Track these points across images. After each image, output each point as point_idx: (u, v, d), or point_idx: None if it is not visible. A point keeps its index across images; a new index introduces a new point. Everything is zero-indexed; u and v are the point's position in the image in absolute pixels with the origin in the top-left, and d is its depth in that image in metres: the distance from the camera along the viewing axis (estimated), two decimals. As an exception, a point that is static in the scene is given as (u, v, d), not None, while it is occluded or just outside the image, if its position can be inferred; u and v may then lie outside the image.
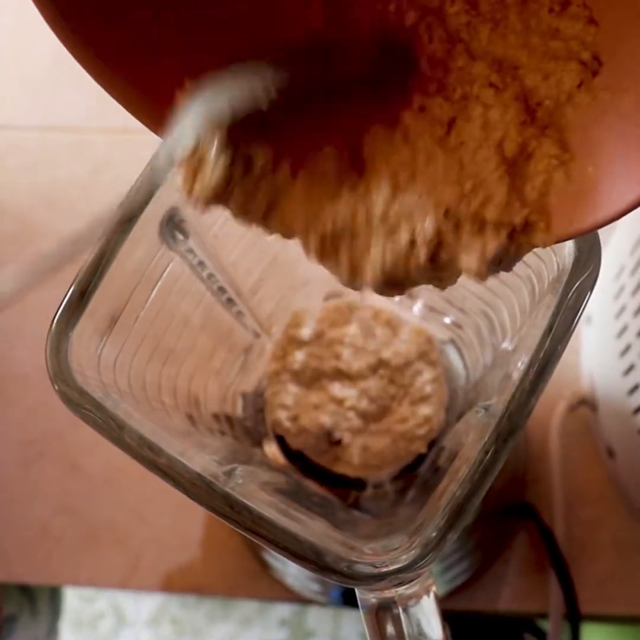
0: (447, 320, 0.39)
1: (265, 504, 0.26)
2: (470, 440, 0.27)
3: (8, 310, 0.56)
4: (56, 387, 0.25)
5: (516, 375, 0.25)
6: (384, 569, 0.23)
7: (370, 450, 0.37)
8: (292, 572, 0.45)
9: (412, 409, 0.37)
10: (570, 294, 0.25)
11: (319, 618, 0.49)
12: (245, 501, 0.24)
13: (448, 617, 0.26)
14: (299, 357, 0.38)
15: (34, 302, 0.56)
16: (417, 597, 0.25)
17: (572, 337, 0.24)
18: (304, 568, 0.23)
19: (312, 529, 0.26)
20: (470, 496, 0.23)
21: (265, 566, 0.47)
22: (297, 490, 0.36)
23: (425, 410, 0.37)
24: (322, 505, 0.36)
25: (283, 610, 0.49)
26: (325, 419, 0.37)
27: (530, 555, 0.47)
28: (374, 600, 0.25)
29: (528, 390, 0.24)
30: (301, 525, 0.25)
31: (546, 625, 0.46)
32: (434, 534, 0.23)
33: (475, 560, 0.46)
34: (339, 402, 0.37)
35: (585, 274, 0.25)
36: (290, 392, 0.38)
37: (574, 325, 0.25)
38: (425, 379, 0.38)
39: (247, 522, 0.24)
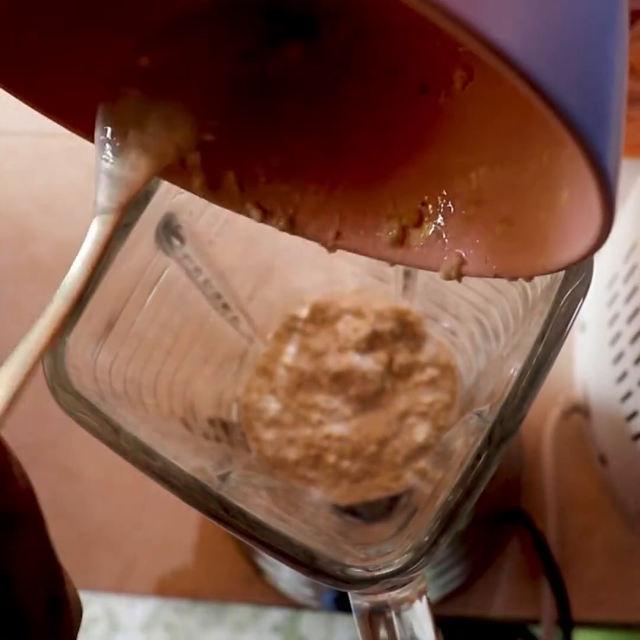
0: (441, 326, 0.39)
1: (260, 508, 0.26)
2: (463, 445, 0.28)
3: (3, 314, 0.56)
4: (53, 392, 0.25)
5: (509, 382, 0.25)
6: (377, 573, 0.23)
7: (350, 497, 0.37)
8: (286, 577, 0.45)
9: (407, 464, 0.37)
10: (562, 301, 0.25)
11: (312, 624, 0.49)
12: (239, 505, 0.24)
13: (441, 622, 0.26)
14: (273, 405, 0.38)
15: (29, 307, 0.56)
16: (410, 601, 0.25)
17: (566, 344, 0.25)
18: (298, 571, 0.23)
19: (305, 533, 0.27)
20: (462, 501, 0.23)
21: (258, 571, 0.47)
22: (291, 494, 0.36)
23: (422, 463, 0.37)
24: (316, 509, 0.36)
25: (276, 616, 0.49)
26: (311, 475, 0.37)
27: (523, 561, 0.47)
28: (366, 604, 0.25)
29: (521, 396, 0.24)
30: (295, 529, 0.25)
31: (539, 632, 0.46)
32: (426, 539, 0.23)
33: (469, 566, 0.46)
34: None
35: (578, 282, 0.25)
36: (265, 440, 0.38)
37: (566, 332, 0.25)
38: (421, 430, 0.37)
39: (242, 526, 0.24)
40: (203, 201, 0.30)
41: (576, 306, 0.25)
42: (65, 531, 0.51)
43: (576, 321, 0.25)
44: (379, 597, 0.24)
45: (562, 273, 0.25)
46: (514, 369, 0.25)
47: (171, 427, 0.31)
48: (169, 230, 0.29)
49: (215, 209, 0.30)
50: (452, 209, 0.23)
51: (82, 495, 0.51)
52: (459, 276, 0.23)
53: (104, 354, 0.27)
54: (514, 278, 0.22)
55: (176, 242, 0.30)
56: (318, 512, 0.36)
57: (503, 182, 0.22)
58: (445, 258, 0.23)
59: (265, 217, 0.25)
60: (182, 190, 0.29)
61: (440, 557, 0.42)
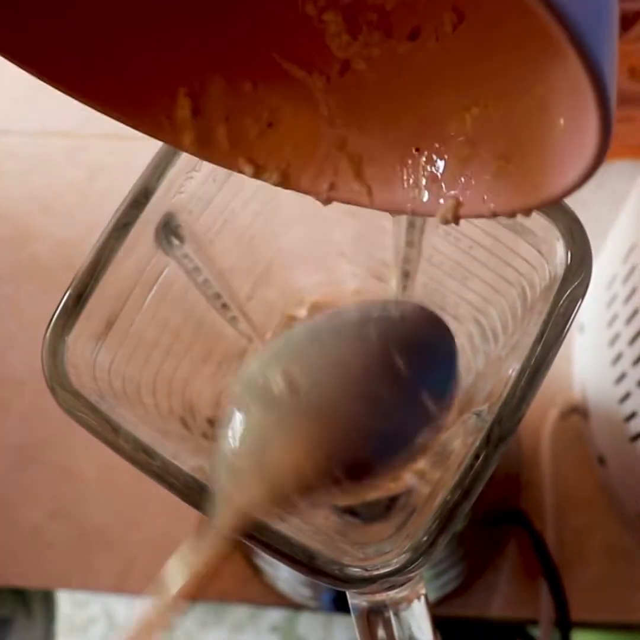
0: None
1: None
2: (462, 445, 0.28)
3: (3, 314, 0.56)
4: (52, 391, 0.25)
5: (508, 382, 0.25)
6: (375, 572, 0.23)
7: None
8: (284, 577, 0.45)
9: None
10: (561, 301, 0.25)
11: (310, 624, 0.49)
12: (238, 504, 0.24)
13: (439, 623, 0.26)
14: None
15: (29, 307, 0.56)
16: (408, 601, 0.25)
17: (565, 345, 0.25)
18: (297, 571, 0.23)
19: (304, 532, 0.27)
20: (461, 501, 0.23)
21: (257, 571, 0.47)
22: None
23: (420, 463, 0.37)
24: (315, 509, 0.36)
25: (275, 616, 0.50)
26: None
27: (521, 562, 0.48)
28: (365, 604, 0.25)
29: (519, 396, 0.24)
30: (294, 529, 0.25)
31: (537, 632, 0.46)
32: (424, 538, 0.23)
33: (467, 567, 0.46)
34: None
35: (577, 282, 0.25)
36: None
37: (564, 333, 0.25)
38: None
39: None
40: (203, 201, 0.30)
41: (575, 306, 0.25)
42: (65, 531, 0.51)
43: (575, 322, 0.25)
44: (377, 596, 0.24)
45: (561, 273, 0.25)
46: (512, 369, 0.25)
47: (170, 426, 0.31)
48: (169, 230, 0.29)
49: (215, 209, 0.30)
50: (446, 153, 0.23)
51: (82, 495, 0.51)
52: (456, 219, 0.23)
53: (104, 353, 0.27)
54: (512, 215, 0.22)
55: (176, 242, 0.30)
56: (317, 512, 0.36)
57: (497, 120, 0.22)
58: (441, 202, 0.23)
59: (258, 172, 0.25)
60: (182, 189, 0.29)
61: (439, 558, 0.42)
